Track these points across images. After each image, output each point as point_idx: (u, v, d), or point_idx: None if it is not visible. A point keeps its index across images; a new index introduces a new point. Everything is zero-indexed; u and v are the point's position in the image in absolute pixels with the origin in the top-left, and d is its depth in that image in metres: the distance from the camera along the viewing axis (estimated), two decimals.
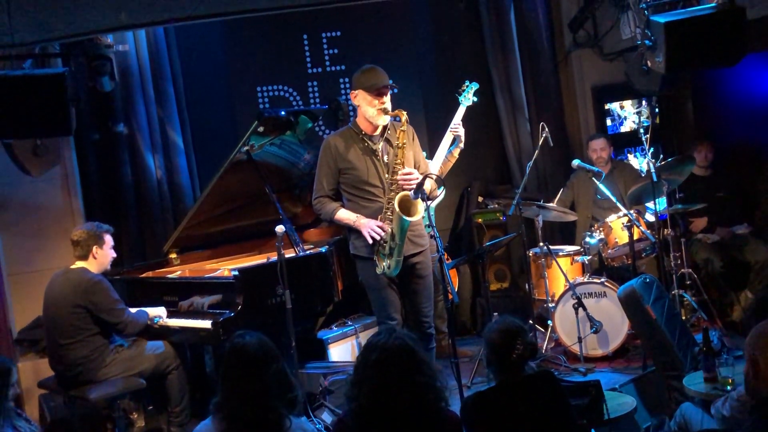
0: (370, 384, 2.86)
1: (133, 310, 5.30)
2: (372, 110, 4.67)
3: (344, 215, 4.75)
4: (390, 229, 4.61)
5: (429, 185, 4.72)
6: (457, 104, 5.58)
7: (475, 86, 5.69)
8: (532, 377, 3.34)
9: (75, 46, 5.10)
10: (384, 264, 4.65)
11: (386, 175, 4.69)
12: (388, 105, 4.69)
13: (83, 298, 5.08)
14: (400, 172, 4.63)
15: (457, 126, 5.60)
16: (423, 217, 4.76)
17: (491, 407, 3.27)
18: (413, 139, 4.88)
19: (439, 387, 2.95)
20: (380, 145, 4.74)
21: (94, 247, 5.25)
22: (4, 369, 4.22)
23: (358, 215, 4.71)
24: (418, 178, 4.58)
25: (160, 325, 5.35)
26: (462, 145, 5.71)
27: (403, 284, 4.85)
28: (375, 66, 4.76)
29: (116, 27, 4.46)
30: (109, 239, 5.33)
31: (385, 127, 4.75)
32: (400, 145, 4.66)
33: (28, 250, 6.15)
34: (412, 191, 4.56)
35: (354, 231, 4.75)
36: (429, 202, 4.71)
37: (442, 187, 6.06)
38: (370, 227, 4.63)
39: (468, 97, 5.65)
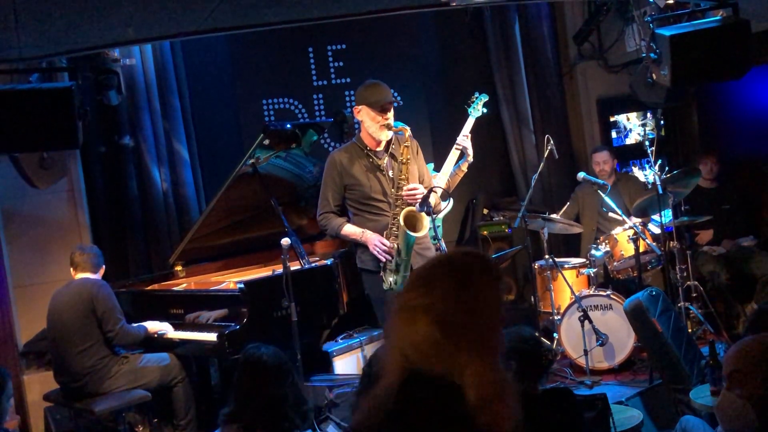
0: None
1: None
2: (375, 126, 4.69)
3: (350, 230, 4.76)
4: (396, 245, 4.61)
5: (434, 199, 4.73)
6: (464, 116, 5.59)
7: (484, 98, 5.70)
8: (550, 392, 3.33)
9: (82, 60, 5.13)
10: (391, 279, 4.66)
11: (392, 190, 4.70)
12: (392, 120, 4.70)
13: (88, 300, 5.14)
14: (405, 188, 4.64)
15: (463, 139, 5.60)
16: (429, 230, 4.77)
17: None
18: (417, 152, 4.89)
19: None
20: (385, 160, 4.75)
21: (103, 266, 5.44)
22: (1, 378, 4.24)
23: (364, 230, 4.72)
24: (422, 193, 4.59)
25: (163, 338, 5.37)
26: (470, 158, 5.71)
27: None
28: (378, 81, 4.77)
29: (123, 41, 4.49)
30: None
31: (389, 142, 4.76)
32: (404, 161, 4.67)
33: (34, 263, 6.16)
34: (417, 205, 4.56)
35: (361, 245, 4.75)
36: (434, 215, 4.71)
37: (450, 200, 6.07)
38: (375, 244, 4.64)
39: (477, 109, 5.66)
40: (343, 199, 4.81)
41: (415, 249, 4.69)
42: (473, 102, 5.68)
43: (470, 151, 5.67)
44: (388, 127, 4.67)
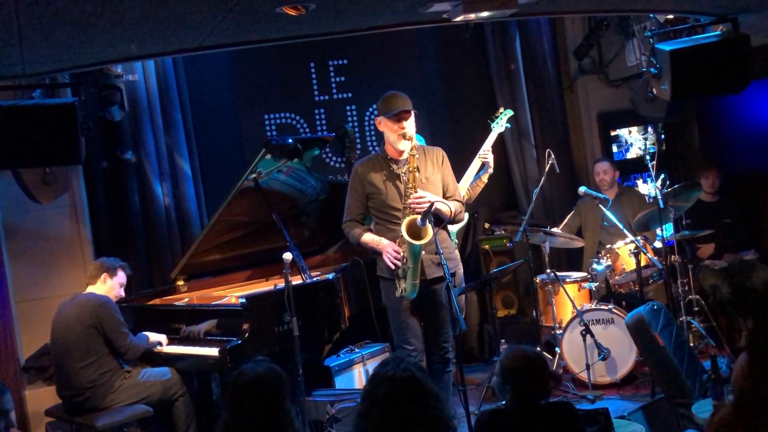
0: (378, 418, 2.82)
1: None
2: (393, 136, 4.77)
3: (368, 239, 4.85)
4: (403, 252, 4.66)
5: (448, 209, 4.77)
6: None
7: (509, 113, 5.75)
8: (551, 406, 3.32)
9: (85, 76, 5.15)
10: (402, 286, 4.71)
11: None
12: (409, 130, 4.75)
13: (92, 316, 5.15)
14: (411, 196, 4.68)
15: (486, 152, 5.66)
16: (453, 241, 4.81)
17: (506, 427, 3.26)
18: (442, 161, 4.94)
19: (447, 418, 2.93)
20: (405, 169, 4.79)
21: (104, 274, 5.39)
22: None
23: (381, 239, 4.79)
24: (429, 202, 4.62)
25: (165, 352, 5.38)
26: (491, 170, 5.76)
27: (424, 307, 4.88)
28: (396, 92, 4.84)
29: (126, 57, 4.50)
30: (122, 275, 5.48)
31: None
32: (411, 169, 4.71)
33: (36, 278, 6.18)
34: (419, 217, 4.58)
35: (380, 253, 4.81)
36: (452, 226, 4.73)
37: (465, 214, 6.08)
38: (387, 251, 4.70)
39: (501, 124, 5.72)
40: (366, 208, 4.90)
41: (430, 258, 4.74)
42: (498, 116, 5.73)
43: (491, 164, 5.73)
44: (404, 135, 4.72)
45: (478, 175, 5.86)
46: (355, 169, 4.95)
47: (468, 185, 5.83)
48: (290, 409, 3.16)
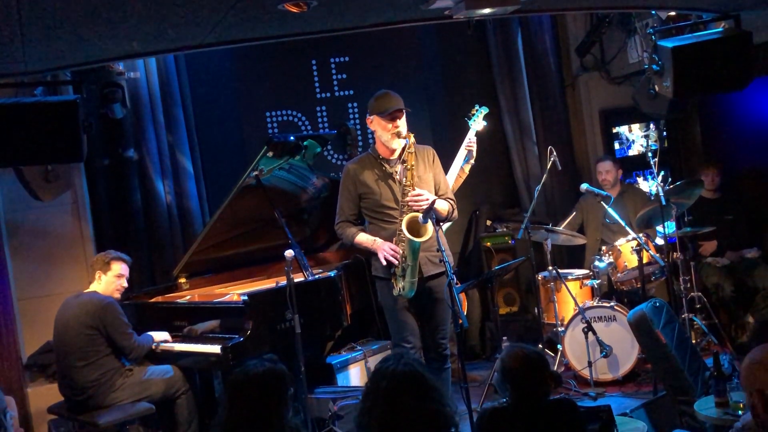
0: (380, 412, 2.83)
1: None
2: (386, 134, 4.76)
3: (363, 239, 4.84)
4: (402, 251, 4.65)
5: (447, 207, 4.76)
6: (466, 128, 5.63)
7: (484, 110, 5.72)
8: (553, 404, 3.33)
9: (87, 73, 5.15)
10: (399, 285, 4.70)
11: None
12: (403, 128, 4.74)
13: (94, 318, 5.14)
14: (409, 194, 4.68)
15: (472, 142, 5.66)
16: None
17: (507, 425, 3.26)
18: (433, 160, 4.93)
19: (449, 412, 2.93)
20: (398, 168, 4.79)
21: (98, 272, 5.36)
22: None
23: (376, 238, 4.78)
24: (428, 200, 4.61)
25: (165, 350, 5.39)
26: (473, 161, 5.76)
27: (421, 304, 4.88)
28: (388, 91, 4.83)
29: (128, 55, 4.49)
30: (117, 267, 5.39)
31: (403, 150, 4.79)
32: (409, 167, 4.71)
33: (38, 275, 6.18)
34: (422, 214, 4.58)
35: (374, 253, 4.80)
36: (443, 224, 4.73)
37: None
38: (384, 249, 4.68)
39: (478, 121, 5.70)
40: (358, 208, 4.88)
41: (428, 257, 4.73)
42: (473, 114, 5.72)
43: (474, 154, 5.73)
44: (398, 134, 4.72)
45: (460, 166, 5.86)
46: (347, 169, 4.93)
47: (455, 175, 5.84)
48: (285, 413, 3.15)
